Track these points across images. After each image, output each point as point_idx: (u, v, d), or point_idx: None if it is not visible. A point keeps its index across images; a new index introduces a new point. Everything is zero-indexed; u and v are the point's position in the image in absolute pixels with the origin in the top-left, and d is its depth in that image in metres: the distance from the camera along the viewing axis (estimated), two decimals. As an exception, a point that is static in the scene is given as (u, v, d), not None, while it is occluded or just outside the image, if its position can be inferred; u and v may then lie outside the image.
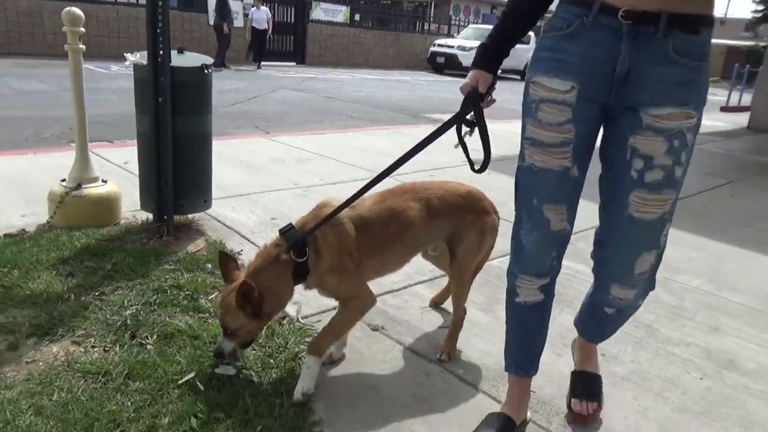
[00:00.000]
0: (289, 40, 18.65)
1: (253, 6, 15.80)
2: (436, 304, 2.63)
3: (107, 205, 3.11)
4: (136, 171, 3.14)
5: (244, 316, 1.81)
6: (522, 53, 20.56)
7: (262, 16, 15.48)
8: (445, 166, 5.38)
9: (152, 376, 1.84)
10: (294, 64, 18.28)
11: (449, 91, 13.90)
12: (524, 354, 1.82)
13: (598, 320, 1.86)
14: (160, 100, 2.75)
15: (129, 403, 1.70)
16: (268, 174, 4.62)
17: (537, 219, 1.62)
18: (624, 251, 1.58)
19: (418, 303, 2.64)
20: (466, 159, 1.83)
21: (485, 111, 1.71)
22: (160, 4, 2.63)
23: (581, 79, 1.46)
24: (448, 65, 19.26)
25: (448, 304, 2.43)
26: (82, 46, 2.94)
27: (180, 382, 1.83)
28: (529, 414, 1.88)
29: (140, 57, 2.82)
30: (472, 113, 1.71)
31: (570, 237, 1.67)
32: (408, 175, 4.91)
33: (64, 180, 3.10)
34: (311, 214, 1.98)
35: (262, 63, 16.02)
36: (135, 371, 1.84)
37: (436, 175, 4.97)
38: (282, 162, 5.08)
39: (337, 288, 1.99)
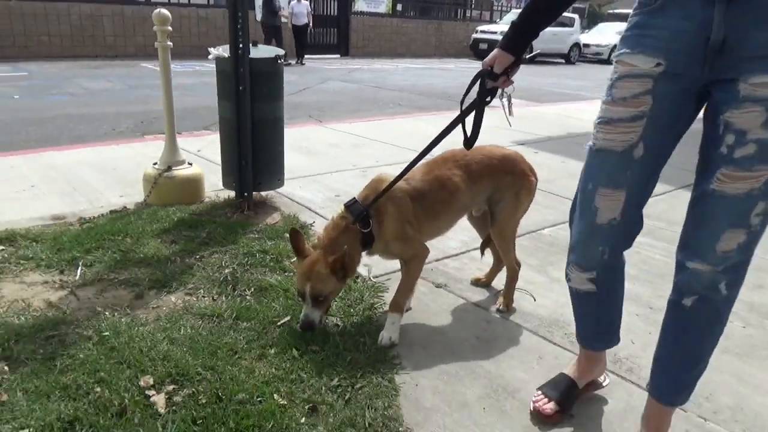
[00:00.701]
0: (332, 33, 19.01)
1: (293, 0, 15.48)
2: (478, 282, 2.71)
3: (194, 185, 3.50)
4: (209, 157, 3.51)
5: (336, 280, 2.04)
6: (565, 37, 20.39)
7: (302, 10, 15.17)
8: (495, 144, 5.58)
9: (256, 318, 2.18)
10: (338, 56, 18.63)
11: (493, 77, 13.97)
12: (585, 330, 1.83)
13: (677, 330, 1.58)
14: (240, 88, 3.09)
15: (241, 338, 2.04)
16: (327, 157, 4.95)
17: (585, 207, 1.56)
18: (704, 225, 1.44)
19: (475, 265, 2.90)
20: (471, 137, 1.95)
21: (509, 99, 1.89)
22: (240, 3, 2.96)
23: (669, 55, 1.36)
24: (491, 51, 19.21)
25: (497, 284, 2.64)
26: (170, 43, 3.31)
27: (279, 323, 2.17)
28: (606, 380, 1.94)
29: (222, 51, 3.16)
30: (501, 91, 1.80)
31: (629, 233, 1.59)
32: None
33: (155, 163, 3.49)
34: (370, 188, 2.21)
35: (306, 57, 15.83)
36: (241, 314, 2.19)
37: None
38: (338, 147, 5.40)
39: (401, 252, 2.24)
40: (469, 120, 1.92)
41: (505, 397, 1.90)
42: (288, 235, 2.97)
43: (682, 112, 1.45)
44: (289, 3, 16.09)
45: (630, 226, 1.57)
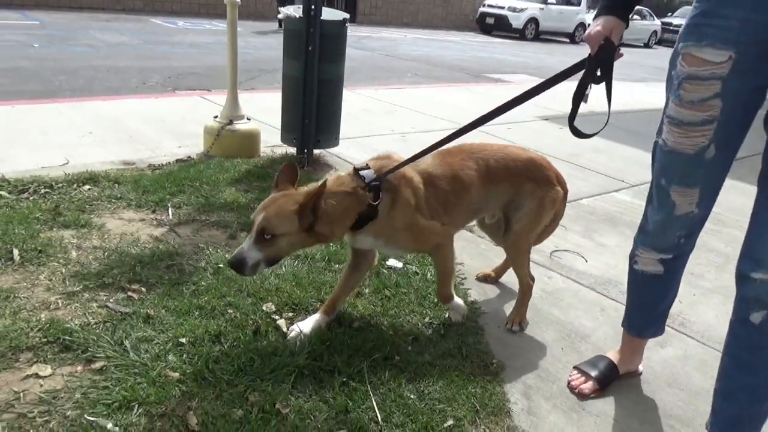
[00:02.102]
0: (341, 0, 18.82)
1: None
2: (486, 278, 2.49)
3: (253, 140, 3.64)
4: (250, 114, 3.65)
5: (297, 223, 1.61)
6: (572, 15, 20.35)
7: None
8: (521, 120, 5.76)
9: (345, 260, 2.36)
10: (345, 22, 18.48)
11: (502, 52, 14.04)
12: (639, 317, 1.82)
13: (745, 352, 1.44)
14: (310, 48, 3.22)
15: (337, 278, 2.23)
16: (364, 122, 5.09)
17: (663, 199, 1.57)
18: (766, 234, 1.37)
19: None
20: (570, 115, 1.66)
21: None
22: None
23: (739, 48, 1.31)
24: (497, 26, 19.17)
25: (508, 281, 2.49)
26: (238, 0, 3.41)
27: (366, 267, 2.36)
28: (640, 368, 1.95)
29: (294, 11, 3.28)
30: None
31: (704, 218, 1.61)
32: (487, 126, 5.34)
33: (216, 116, 3.62)
34: (381, 159, 1.86)
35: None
36: (332, 257, 2.38)
37: (514, 128, 5.36)
38: (372, 112, 5.54)
39: (417, 244, 1.91)
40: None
41: (579, 341, 2.13)
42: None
43: (752, 108, 1.42)
44: None
45: (705, 214, 1.60)
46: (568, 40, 20.68)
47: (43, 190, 2.70)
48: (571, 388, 1.83)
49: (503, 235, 2.08)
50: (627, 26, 1.53)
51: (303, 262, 2.33)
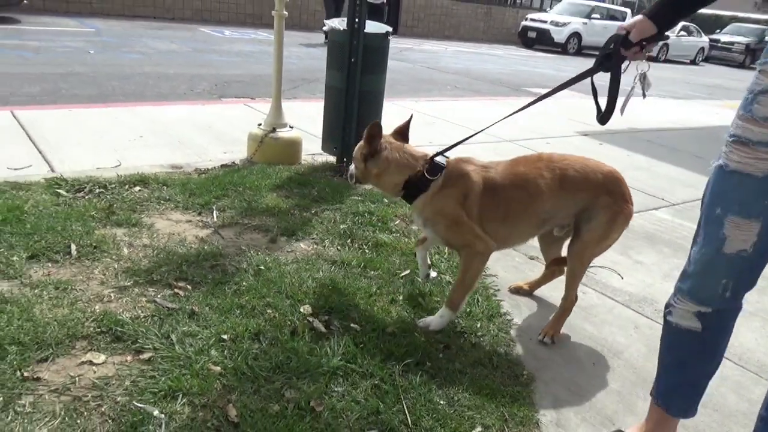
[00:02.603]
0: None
1: None
2: (519, 290, 2.50)
3: (295, 148, 3.75)
4: (292, 123, 3.76)
5: (361, 151, 2.04)
6: (615, 31, 20.11)
7: None
8: (560, 134, 5.74)
9: (381, 268, 2.43)
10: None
11: (544, 66, 13.97)
12: (668, 383, 1.58)
13: None
14: (352, 60, 3.31)
15: (372, 284, 2.29)
16: (403, 132, 5.17)
17: (711, 233, 1.38)
18: None
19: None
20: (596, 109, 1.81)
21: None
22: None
23: None
24: (539, 40, 19.07)
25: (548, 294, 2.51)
26: (285, 12, 3.53)
27: (401, 275, 2.41)
28: None
29: (338, 23, 3.38)
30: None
31: (755, 265, 1.38)
32: (526, 140, 5.35)
33: (260, 124, 3.75)
34: (459, 158, 2.08)
35: None
36: (368, 264, 2.44)
37: (553, 143, 5.35)
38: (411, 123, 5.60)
39: (446, 237, 2.03)
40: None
41: (611, 357, 2.13)
42: (385, 201, 3.24)
43: None
44: None
45: (760, 263, 1.38)
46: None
47: (97, 190, 2.85)
48: None
49: (570, 244, 2.07)
50: (661, 35, 1.55)
51: (340, 267, 2.40)
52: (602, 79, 1.74)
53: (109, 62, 7.59)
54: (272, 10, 3.56)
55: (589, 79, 1.84)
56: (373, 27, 3.46)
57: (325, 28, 3.56)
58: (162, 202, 2.81)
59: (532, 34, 19.26)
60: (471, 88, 9.08)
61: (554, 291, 2.56)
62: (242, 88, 6.90)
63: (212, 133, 4.38)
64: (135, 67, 7.47)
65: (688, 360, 1.51)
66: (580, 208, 2.01)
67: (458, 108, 6.81)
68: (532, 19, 19.68)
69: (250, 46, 11.09)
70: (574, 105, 8.11)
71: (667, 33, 1.64)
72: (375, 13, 13.56)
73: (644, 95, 1.83)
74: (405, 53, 13.50)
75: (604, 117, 1.82)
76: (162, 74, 7.16)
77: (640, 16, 1.56)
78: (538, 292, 2.52)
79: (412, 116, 2.14)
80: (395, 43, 13.85)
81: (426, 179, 1.96)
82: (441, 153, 2.08)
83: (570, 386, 1.93)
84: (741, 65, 22.53)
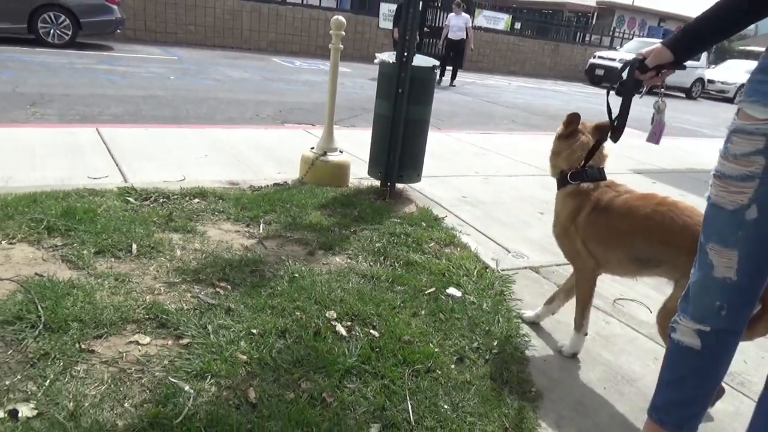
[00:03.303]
0: (448, 45, 19.42)
1: (452, 11, 13.26)
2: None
3: (343, 171, 3.99)
4: (346, 148, 3.99)
5: (558, 133, 2.25)
6: (689, 70, 19.57)
7: (460, 24, 12.99)
8: (614, 171, 5.73)
9: (408, 284, 2.58)
10: (450, 68, 19.01)
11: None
12: (665, 398, 1.61)
13: None
14: (399, 90, 3.54)
15: (398, 297, 2.45)
16: (451, 162, 5.33)
17: (702, 258, 1.49)
18: None
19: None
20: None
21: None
22: (410, 21, 3.41)
23: None
24: (607, 78, 18.86)
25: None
26: (341, 46, 3.82)
27: (426, 292, 2.56)
28: None
29: (388, 57, 3.62)
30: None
31: (745, 291, 1.45)
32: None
33: (313, 148, 4.02)
34: (606, 183, 2.14)
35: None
36: (396, 280, 2.60)
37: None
38: (460, 153, 5.77)
39: (560, 246, 2.25)
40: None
41: (624, 383, 2.18)
42: (423, 224, 3.40)
43: None
44: (446, 15, 14.47)
45: (750, 289, 1.44)
46: (683, 95, 19.88)
47: (161, 200, 3.17)
48: None
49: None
50: (678, 64, 1.64)
51: (369, 281, 2.57)
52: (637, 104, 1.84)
53: (186, 87, 8.21)
54: (330, 44, 3.85)
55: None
56: (420, 60, 3.68)
57: (376, 61, 3.86)
58: (216, 213, 3.09)
59: (599, 72, 19.09)
60: (528, 123, 9.15)
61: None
62: (304, 114, 7.29)
63: (270, 155, 4.70)
64: (209, 92, 8.05)
65: (687, 377, 1.56)
66: (664, 262, 1.94)
67: (510, 141, 6.92)
68: (600, 57, 19.53)
69: (316, 76, 11.63)
70: (627, 143, 8.01)
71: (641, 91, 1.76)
72: (455, 48, 13.33)
73: (656, 139, 1.91)
74: (467, 87, 13.73)
75: (614, 136, 1.94)
76: (232, 100, 7.68)
77: (659, 44, 1.66)
78: (560, 318, 2.60)
79: (613, 118, 2.02)
80: (459, 77, 14.18)
81: (566, 180, 2.16)
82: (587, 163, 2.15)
83: (577, 406, 2.00)
84: None
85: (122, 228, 2.66)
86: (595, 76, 19.27)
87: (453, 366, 2.06)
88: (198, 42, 14.85)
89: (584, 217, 2.07)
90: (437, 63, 3.71)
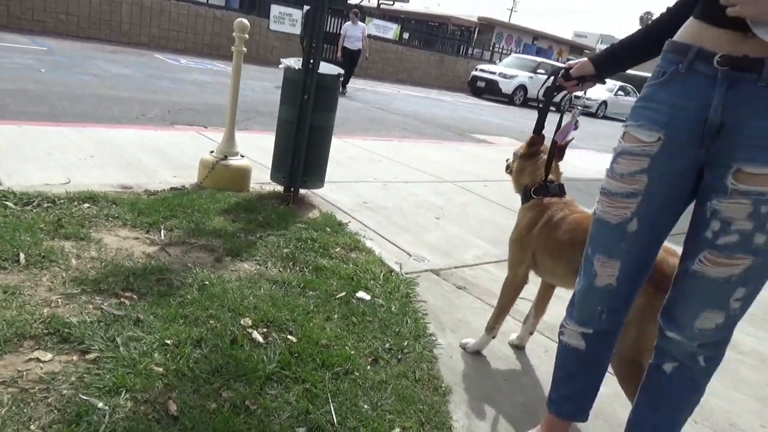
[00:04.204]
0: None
1: (348, 20, 13.31)
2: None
3: (245, 175, 3.92)
4: (242, 152, 3.95)
5: (522, 153, 2.38)
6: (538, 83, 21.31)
7: (357, 34, 13.09)
8: (497, 179, 6.13)
9: (319, 289, 2.61)
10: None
11: (489, 115, 14.68)
12: (559, 393, 1.79)
13: (655, 394, 1.62)
14: (305, 97, 3.55)
15: (310, 303, 2.47)
16: (349, 168, 5.42)
17: (587, 268, 1.63)
18: (684, 302, 1.50)
19: (487, 276, 3.38)
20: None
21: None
22: (316, 28, 3.45)
23: (669, 130, 1.40)
24: (488, 90, 20.02)
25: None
26: (244, 49, 3.76)
27: (338, 296, 2.60)
28: None
29: (294, 62, 3.63)
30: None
31: (623, 296, 1.61)
32: (465, 182, 5.70)
33: (212, 151, 3.91)
34: (564, 200, 2.24)
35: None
36: (307, 285, 2.62)
37: (490, 185, 5.72)
38: (357, 159, 5.88)
39: (509, 243, 2.37)
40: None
41: (522, 375, 2.38)
42: (328, 230, 3.44)
43: (679, 191, 1.46)
44: (341, 23, 14.38)
45: (628, 293, 1.60)
46: (554, 109, 21.56)
47: (45, 204, 2.93)
48: None
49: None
50: (599, 78, 1.82)
51: (280, 287, 2.56)
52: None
53: (60, 82, 7.58)
54: (232, 46, 3.78)
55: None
56: (326, 68, 3.72)
57: (281, 66, 3.84)
58: (110, 219, 2.92)
59: (481, 84, 20.20)
60: (418, 131, 9.49)
61: (476, 316, 2.81)
62: (195, 116, 7.02)
63: (163, 158, 4.49)
64: (87, 88, 7.49)
65: (576, 373, 1.76)
66: None
67: (404, 148, 7.15)
68: (482, 70, 20.66)
69: (205, 76, 11.23)
70: (511, 151, 8.61)
71: (605, 79, 1.88)
72: (351, 58, 13.33)
73: (576, 125, 2.11)
74: (358, 93, 13.93)
75: (537, 129, 2.20)
76: (115, 97, 7.21)
77: (585, 59, 1.82)
78: (462, 317, 2.76)
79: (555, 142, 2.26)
80: (350, 84, 14.34)
81: (529, 194, 2.29)
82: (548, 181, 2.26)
83: (482, 399, 2.15)
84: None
85: (4, 236, 2.43)
86: (477, 88, 20.35)
87: (369, 367, 2.12)
88: (70, 33, 13.70)
89: (538, 229, 2.20)
90: (342, 71, 3.78)
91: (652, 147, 1.42)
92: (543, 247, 2.21)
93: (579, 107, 2.08)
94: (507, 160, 2.59)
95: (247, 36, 3.74)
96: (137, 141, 4.88)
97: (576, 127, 2.11)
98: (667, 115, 1.40)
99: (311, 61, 3.51)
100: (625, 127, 1.51)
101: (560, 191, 2.25)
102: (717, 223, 1.39)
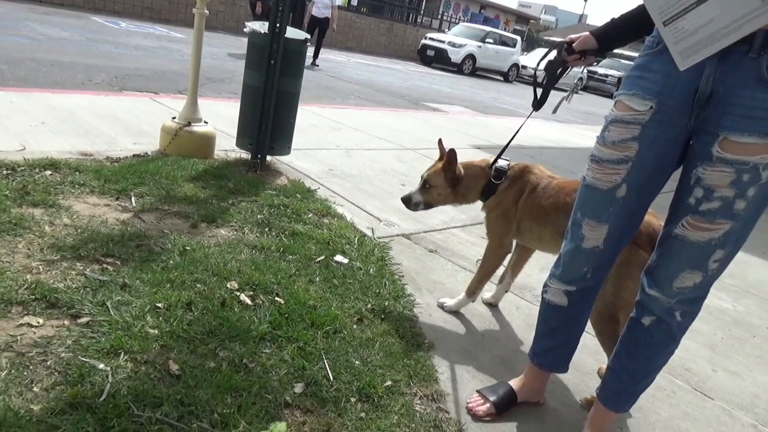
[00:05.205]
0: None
1: None
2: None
3: (209, 142, 3.85)
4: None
5: (444, 179, 2.38)
6: (506, 56, 21.63)
7: (326, 1, 12.69)
8: (456, 147, 6.24)
9: (298, 253, 2.64)
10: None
11: (441, 84, 14.76)
12: (542, 346, 1.92)
13: (634, 345, 1.71)
14: (272, 62, 3.51)
15: (292, 267, 2.50)
16: (311, 136, 5.39)
17: (574, 232, 1.70)
18: (665, 264, 1.58)
19: (455, 239, 3.50)
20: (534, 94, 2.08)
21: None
22: (283, -12, 3.39)
23: (661, 99, 1.45)
24: (437, 59, 20.07)
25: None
26: (206, 11, 3.65)
27: (317, 260, 2.64)
28: (542, 399, 2.04)
29: (259, 27, 3.55)
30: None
31: (608, 256, 1.70)
32: (425, 150, 5.78)
33: (174, 117, 3.81)
34: (517, 168, 2.36)
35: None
36: (286, 249, 2.64)
37: (449, 153, 5.82)
38: (318, 128, 5.85)
39: (489, 224, 2.43)
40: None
41: (497, 330, 2.51)
42: (298, 196, 3.45)
43: (668, 158, 1.52)
44: None
45: (612, 254, 1.70)
46: (501, 78, 21.89)
47: (5, 172, 2.81)
48: (468, 410, 1.91)
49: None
50: (601, 52, 1.81)
51: (260, 252, 2.58)
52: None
53: (-7, 44, 7.11)
54: (194, 8, 3.66)
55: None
56: (292, 33, 3.67)
57: (246, 30, 3.75)
58: (77, 186, 2.83)
59: (430, 53, 20.22)
60: (373, 99, 9.48)
61: (449, 277, 2.91)
62: (143, 82, 6.77)
63: (120, 124, 4.34)
64: (24, 51, 7.06)
65: (558, 328, 1.88)
66: None
67: (362, 117, 7.15)
68: (431, 38, 20.65)
69: (149, 41, 10.76)
70: (468, 120, 8.76)
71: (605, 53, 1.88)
72: (319, 26, 12.78)
73: (569, 100, 2.07)
74: (308, 60, 13.69)
75: (537, 104, 2.10)
76: (56, 62, 6.84)
77: (586, 33, 1.82)
78: (436, 279, 2.87)
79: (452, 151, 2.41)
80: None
81: (494, 184, 2.35)
82: (497, 159, 2.40)
83: (463, 352, 2.26)
84: (612, 96, 25.00)
85: (-31, 203, 2.33)
86: (426, 57, 20.36)
87: (355, 326, 2.19)
88: (-3, -9, 12.77)
89: (524, 200, 2.29)
90: (308, 36, 3.73)
91: (644, 115, 1.47)
92: (529, 215, 2.30)
93: (579, 83, 2.03)
94: (413, 198, 2.51)
95: (209, -2, 3.63)
96: (88, 107, 4.68)
97: (568, 101, 2.08)
98: (660, 84, 1.44)
99: (278, 25, 3.45)
100: (618, 96, 1.55)
101: (508, 167, 2.36)
102: (700, 190, 1.44)
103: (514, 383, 2.00)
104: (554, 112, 2.12)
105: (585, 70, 2.00)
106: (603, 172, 1.57)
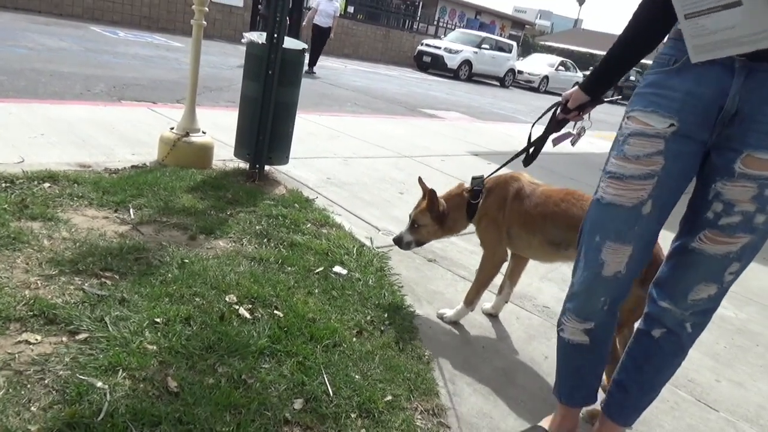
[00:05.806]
0: (285, 25, 19.14)
1: None
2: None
3: (208, 152, 3.85)
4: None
5: (430, 218, 2.47)
6: (503, 61, 21.68)
7: (329, 11, 12.34)
8: (454, 153, 6.26)
9: (297, 264, 2.63)
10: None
11: (437, 90, 14.79)
12: (567, 384, 1.79)
13: (642, 357, 1.69)
14: (270, 72, 3.51)
15: (290, 278, 2.49)
16: (309, 145, 5.39)
17: (591, 258, 1.58)
18: (681, 276, 1.55)
19: (454, 248, 3.49)
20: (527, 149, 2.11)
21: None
22: (280, 2, 3.39)
23: (682, 116, 1.41)
24: (433, 65, 20.10)
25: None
26: (204, 22, 3.65)
27: (316, 271, 2.64)
28: None
29: (257, 37, 3.56)
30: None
31: (627, 284, 1.60)
32: (423, 157, 5.78)
33: (173, 128, 3.81)
34: (496, 177, 2.42)
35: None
36: (285, 261, 2.63)
37: (447, 160, 5.83)
38: (317, 136, 5.85)
39: (481, 234, 2.49)
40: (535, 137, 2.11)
41: (498, 341, 2.50)
42: (297, 206, 3.45)
43: (690, 172, 1.49)
44: None
45: (630, 281, 1.61)
46: (498, 84, 21.93)
47: (4, 184, 2.80)
48: None
49: None
50: (595, 101, 1.79)
51: (258, 264, 2.57)
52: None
53: (-8, 54, 7.11)
54: (192, 19, 3.66)
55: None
56: (290, 43, 3.67)
57: (243, 41, 3.76)
58: (75, 198, 2.82)
59: (426, 59, 20.25)
60: (370, 106, 9.49)
61: (448, 287, 2.91)
62: (141, 91, 6.78)
63: (118, 135, 4.34)
64: (24, 62, 7.07)
65: (582, 366, 1.76)
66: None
67: (360, 124, 7.15)
68: (427, 45, 20.69)
69: (147, 50, 10.77)
70: (465, 127, 8.77)
71: (606, 98, 1.89)
72: (321, 35, 12.64)
73: (573, 143, 2.07)
74: (305, 68, 13.71)
75: (527, 161, 2.12)
76: (55, 72, 6.84)
77: (575, 88, 1.81)
78: (435, 289, 2.86)
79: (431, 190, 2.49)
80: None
81: (474, 205, 2.42)
82: (478, 181, 2.46)
83: (464, 364, 2.25)
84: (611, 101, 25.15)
85: (-34, 218, 2.33)
86: (423, 63, 20.39)
87: (354, 339, 2.18)
88: (-4, 2, 12.80)
89: (509, 205, 2.33)
90: (306, 46, 3.74)
91: (666, 131, 1.43)
92: (517, 222, 2.33)
93: (585, 127, 2.01)
94: (404, 237, 2.59)
95: (206, 9, 3.63)
96: (87, 118, 4.68)
97: (573, 143, 2.07)
98: (680, 102, 1.41)
99: (275, 35, 3.46)
100: (631, 112, 1.50)
101: (482, 182, 2.43)
102: (719, 204, 1.43)
103: (546, 423, 1.88)
104: (554, 144, 2.07)
105: (589, 117, 1.97)
106: (627, 189, 1.49)
